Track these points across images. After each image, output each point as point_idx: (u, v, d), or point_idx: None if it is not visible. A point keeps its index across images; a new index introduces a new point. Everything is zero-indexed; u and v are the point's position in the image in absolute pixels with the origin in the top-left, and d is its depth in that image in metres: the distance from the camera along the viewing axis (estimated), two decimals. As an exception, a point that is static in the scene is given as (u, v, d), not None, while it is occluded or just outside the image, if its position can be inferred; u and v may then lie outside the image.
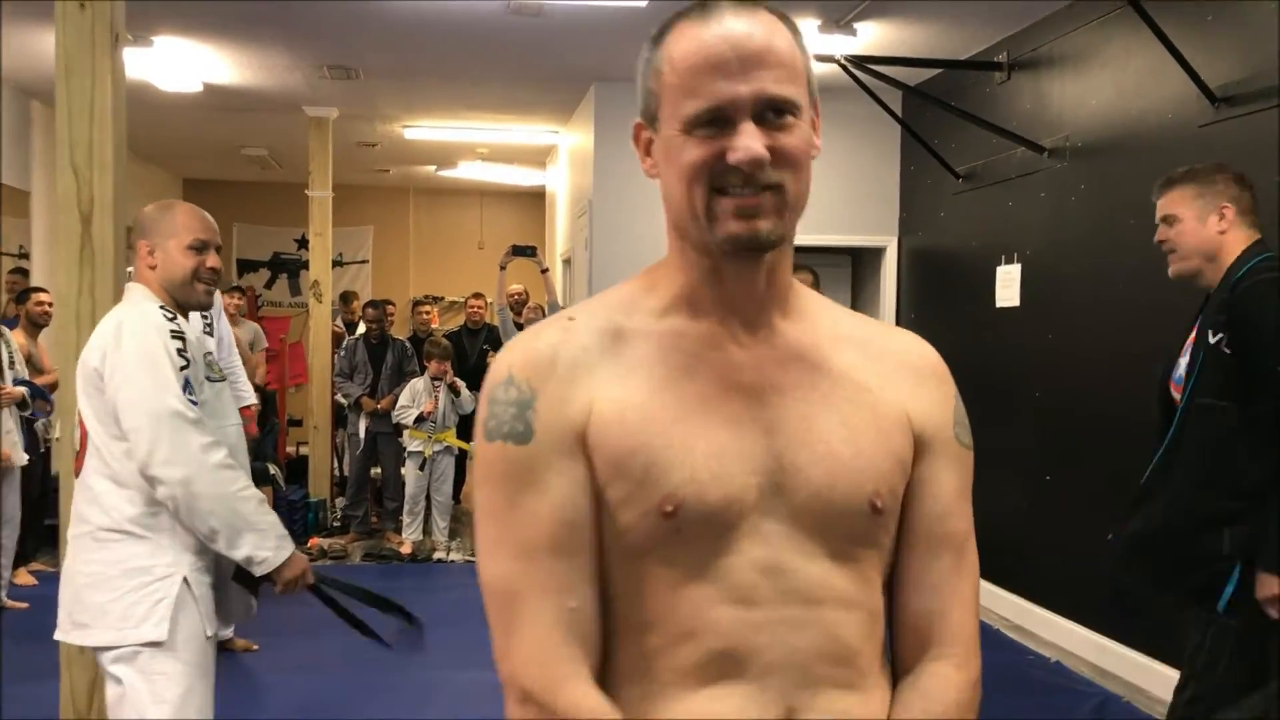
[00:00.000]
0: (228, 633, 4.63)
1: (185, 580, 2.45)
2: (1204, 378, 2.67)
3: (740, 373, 1.11)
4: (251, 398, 5.33)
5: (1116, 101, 5.08)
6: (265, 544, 2.45)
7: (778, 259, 1.13)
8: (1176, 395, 2.84)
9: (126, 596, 2.41)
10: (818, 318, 1.18)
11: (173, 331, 2.49)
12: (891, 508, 1.13)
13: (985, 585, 6.17)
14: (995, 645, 5.40)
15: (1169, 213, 2.85)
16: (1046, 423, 5.58)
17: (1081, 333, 5.25)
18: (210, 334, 4.73)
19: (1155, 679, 4.59)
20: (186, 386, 2.44)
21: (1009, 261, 5.99)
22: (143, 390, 2.39)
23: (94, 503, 2.46)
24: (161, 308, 2.53)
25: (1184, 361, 2.83)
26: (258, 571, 2.48)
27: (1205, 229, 2.76)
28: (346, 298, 9.70)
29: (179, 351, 2.46)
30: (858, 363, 1.16)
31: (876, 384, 1.15)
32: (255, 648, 5.02)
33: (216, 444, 2.43)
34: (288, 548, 2.50)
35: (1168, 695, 4.37)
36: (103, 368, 2.43)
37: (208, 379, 2.59)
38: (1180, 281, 2.96)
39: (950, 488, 1.20)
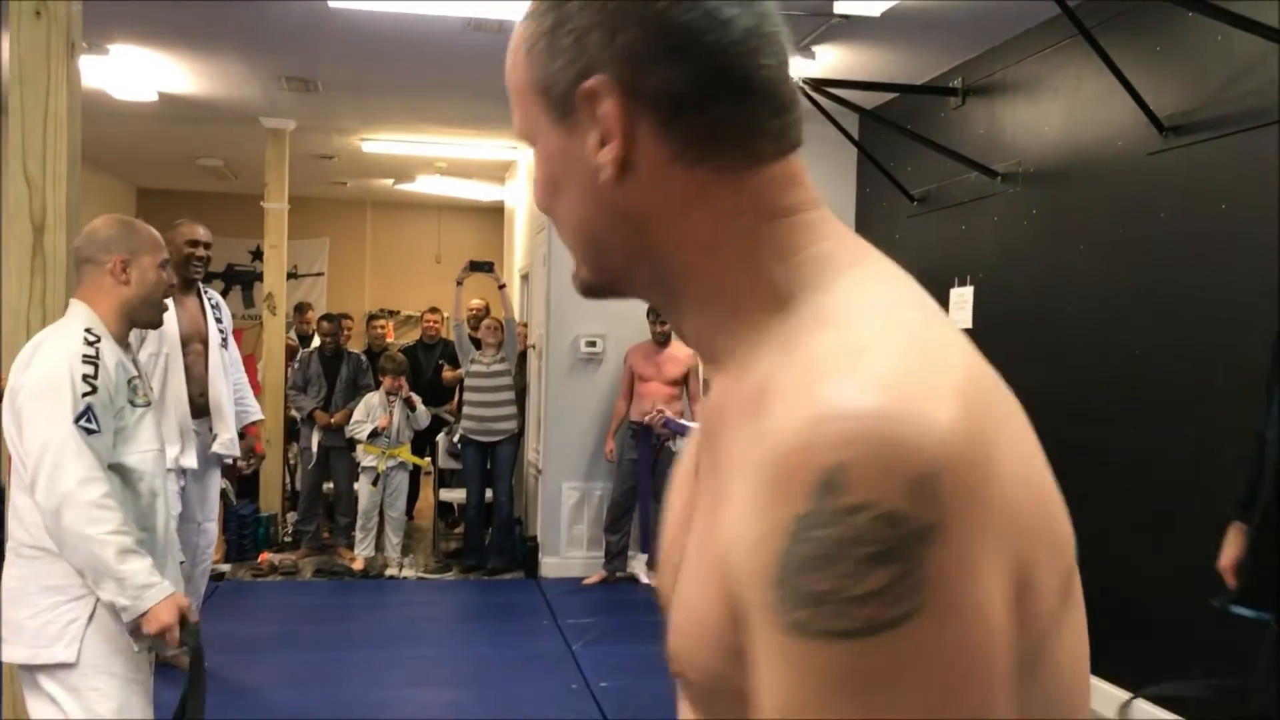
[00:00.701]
0: (171, 650, 4.50)
1: (99, 599, 2.42)
2: None
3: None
4: (258, 413, 5.29)
5: (1067, 128, 5.17)
6: (124, 593, 2.36)
7: (667, 299, 0.79)
8: None
9: (41, 615, 2.40)
10: (755, 365, 0.72)
11: (85, 356, 2.43)
12: (715, 688, 0.72)
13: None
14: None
15: None
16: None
17: (1033, 354, 5.32)
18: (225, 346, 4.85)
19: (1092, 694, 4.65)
20: (87, 413, 2.39)
21: (962, 284, 6.06)
22: (37, 414, 2.37)
23: (16, 518, 2.45)
24: (88, 330, 2.48)
25: None
26: (125, 617, 2.39)
27: None
28: (301, 308, 9.63)
29: (85, 378, 2.41)
30: (735, 449, 0.70)
31: (724, 494, 0.70)
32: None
33: (95, 480, 2.36)
34: (150, 598, 2.38)
35: (1103, 710, 4.43)
36: (16, 387, 2.43)
37: (130, 404, 2.55)
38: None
39: (761, 702, 0.62)
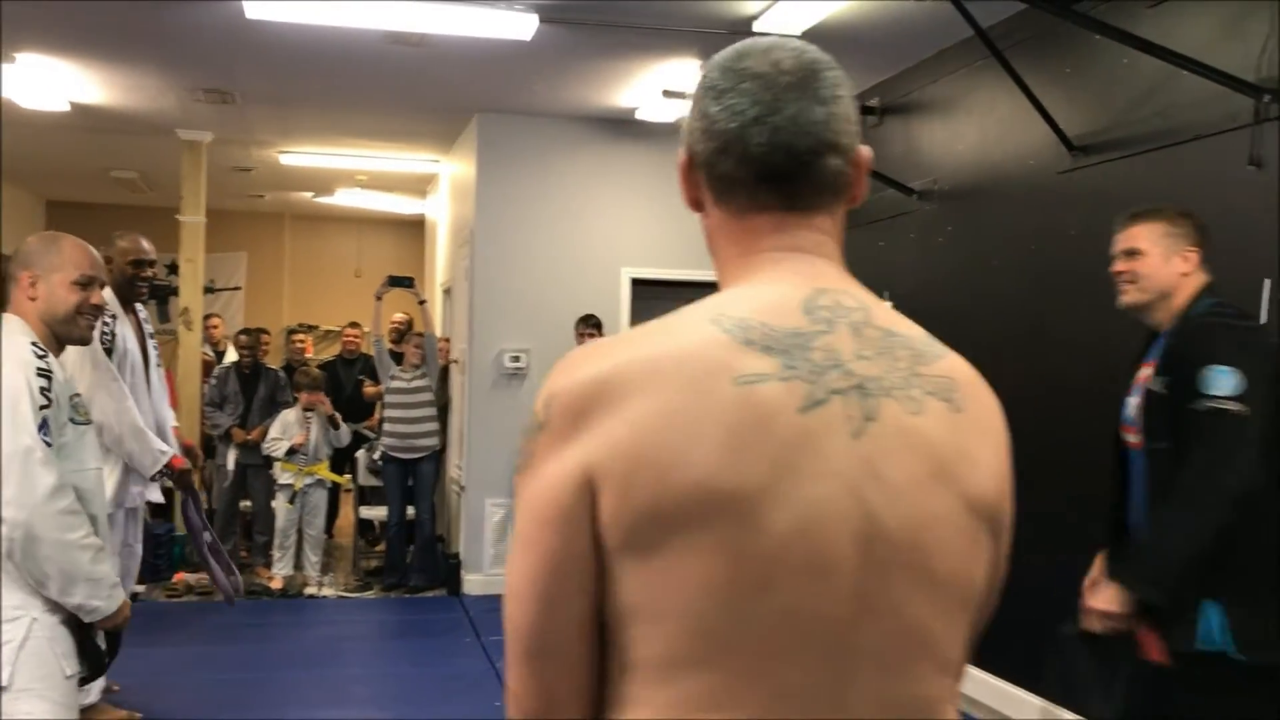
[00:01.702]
0: (92, 698, 4.28)
1: (34, 621, 2.39)
2: (1150, 420, 2.73)
3: None
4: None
5: (981, 147, 5.29)
6: (98, 594, 2.46)
7: None
8: (1126, 436, 2.87)
9: None
10: None
11: (39, 370, 2.44)
12: None
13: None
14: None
15: (1133, 246, 2.84)
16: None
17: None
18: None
19: (1018, 705, 4.74)
20: (44, 427, 2.40)
21: (880, 299, 6.15)
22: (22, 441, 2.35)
23: None
24: (34, 344, 2.48)
25: (1132, 401, 2.86)
26: (87, 619, 2.47)
27: (1169, 267, 2.77)
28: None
29: (42, 390, 2.42)
30: None
31: None
32: (138, 717, 4.53)
33: (64, 488, 2.40)
34: (119, 596, 2.53)
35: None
36: None
37: (72, 421, 2.54)
38: (1129, 312, 2.97)
39: None
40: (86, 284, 2.58)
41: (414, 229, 11.80)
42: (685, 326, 1.00)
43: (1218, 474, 2.49)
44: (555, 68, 6.14)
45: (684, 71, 5.99)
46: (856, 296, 1.07)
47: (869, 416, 0.98)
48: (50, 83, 6.66)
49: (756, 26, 5.16)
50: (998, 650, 4.86)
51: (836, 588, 0.94)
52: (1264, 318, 3.60)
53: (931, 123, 5.77)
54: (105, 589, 2.47)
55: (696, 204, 1.12)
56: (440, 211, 9.71)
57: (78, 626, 2.51)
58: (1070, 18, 4.13)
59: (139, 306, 4.69)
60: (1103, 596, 2.61)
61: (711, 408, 0.93)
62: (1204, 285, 2.78)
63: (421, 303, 7.49)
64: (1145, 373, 2.81)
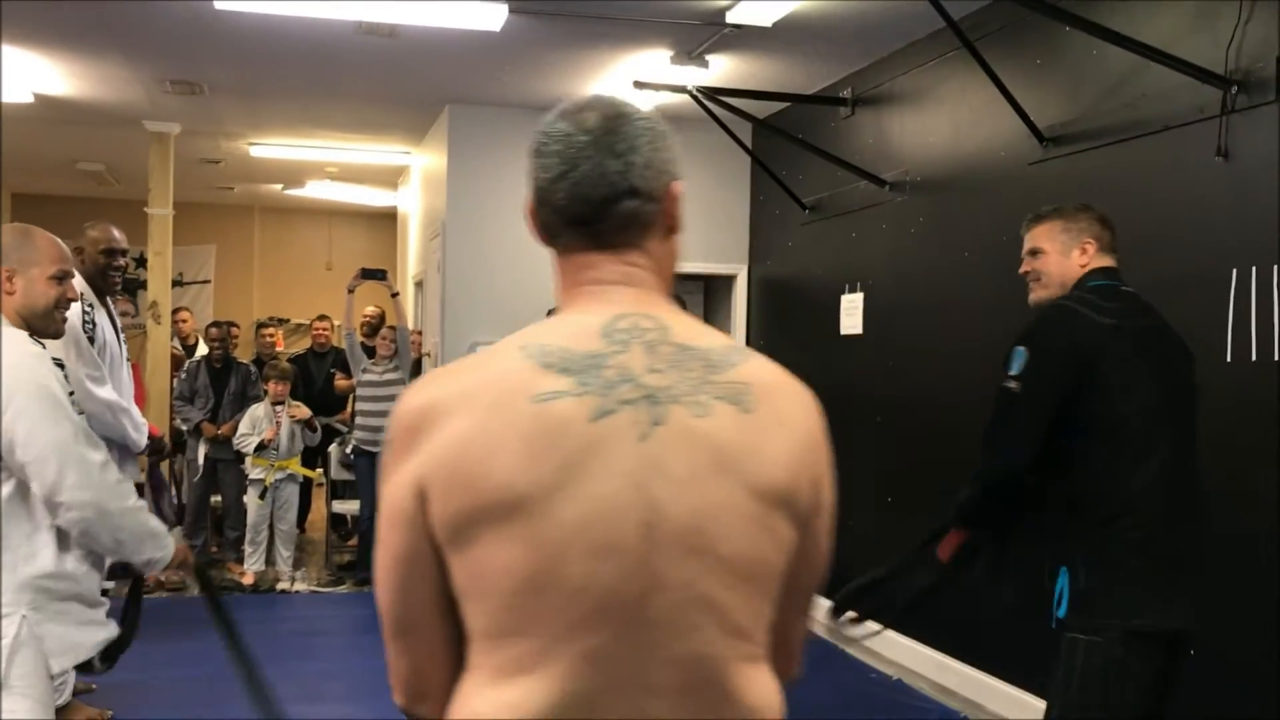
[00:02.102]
0: (64, 697, 4.24)
1: (24, 618, 2.39)
2: None
3: None
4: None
5: (953, 139, 5.31)
6: (161, 545, 2.59)
7: None
8: None
9: None
10: None
11: (54, 359, 2.50)
12: None
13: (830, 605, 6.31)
14: (838, 665, 5.53)
15: (1036, 246, 2.98)
16: (888, 446, 5.76)
17: (921, 359, 5.45)
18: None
19: (992, 695, 4.77)
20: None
21: (853, 290, 6.18)
22: (40, 420, 2.37)
23: None
24: (32, 338, 2.49)
25: None
26: (156, 569, 2.63)
27: (1068, 261, 2.90)
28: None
29: (64, 379, 2.48)
30: None
31: None
32: (109, 715, 4.52)
33: (108, 462, 2.48)
34: (173, 539, 2.66)
35: (1006, 711, 4.56)
36: None
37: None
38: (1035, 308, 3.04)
39: None
40: (63, 278, 2.57)
41: (385, 221, 11.74)
42: (499, 356, 1.22)
43: (986, 445, 2.75)
44: (526, 59, 6.11)
45: (656, 63, 5.97)
46: (655, 319, 1.23)
47: (656, 422, 1.16)
48: (14, 74, 6.58)
49: (729, 18, 5.15)
50: (978, 644, 4.90)
51: (625, 566, 1.13)
52: (1231, 309, 3.63)
53: (903, 114, 5.78)
54: (165, 539, 2.61)
55: (544, 241, 1.32)
56: (412, 204, 9.66)
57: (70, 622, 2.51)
58: (1040, 9, 4.15)
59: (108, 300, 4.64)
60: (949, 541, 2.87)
61: (512, 423, 1.14)
62: (1093, 269, 2.88)
63: (394, 295, 7.45)
64: None
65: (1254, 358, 3.55)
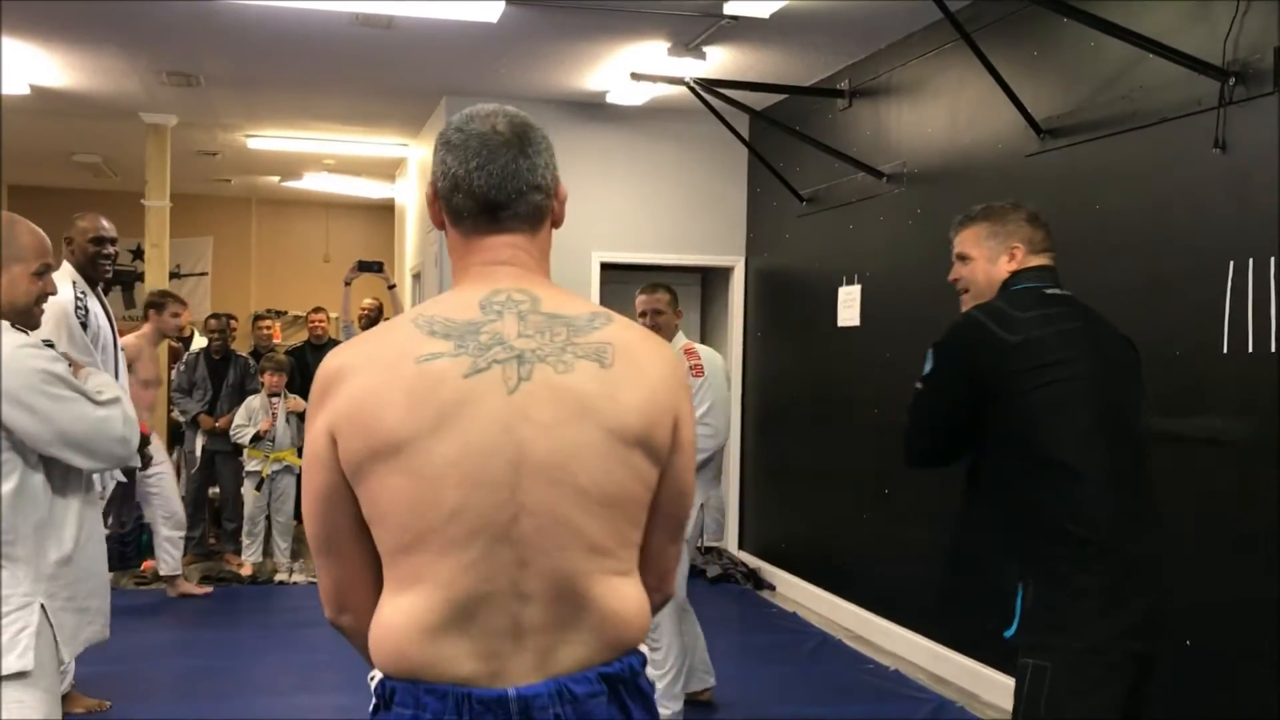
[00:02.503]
0: (63, 687, 4.23)
1: (42, 607, 2.40)
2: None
3: None
4: None
5: (950, 130, 5.31)
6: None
7: None
8: None
9: None
10: None
11: (44, 340, 2.51)
12: None
13: (827, 596, 6.33)
14: (835, 655, 5.54)
15: (963, 251, 2.87)
16: (885, 438, 5.76)
17: (918, 351, 5.43)
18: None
19: (988, 685, 4.79)
20: None
21: (850, 282, 6.18)
22: (61, 397, 2.42)
23: None
24: (19, 329, 2.49)
25: None
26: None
27: (995, 268, 2.78)
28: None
29: (60, 355, 2.52)
30: None
31: None
32: (107, 705, 4.49)
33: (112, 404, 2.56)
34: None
35: (1000, 700, 4.57)
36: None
37: None
38: None
39: None
40: (44, 273, 2.55)
41: (383, 213, 11.73)
42: (396, 327, 1.47)
43: (905, 440, 2.79)
44: (523, 50, 6.11)
45: (653, 54, 5.97)
46: (529, 292, 1.48)
47: (523, 378, 1.40)
48: (10, 65, 6.56)
49: (726, 9, 5.15)
50: (974, 635, 4.91)
51: (495, 495, 1.37)
52: (1228, 300, 3.63)
53: (900, 106, 5.78)
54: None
55: (440, 225, 1.55)
56: (409, 196, 9.65)
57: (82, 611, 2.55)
58: (1037, 1, 4.14)
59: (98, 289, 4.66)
60: None
61: (398, 380, 1.39)
62: (1017, 271, 2.76)
63: (391, 287, 7.44)
64: None
65: (1251, 349, 3.56)
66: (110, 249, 4.45)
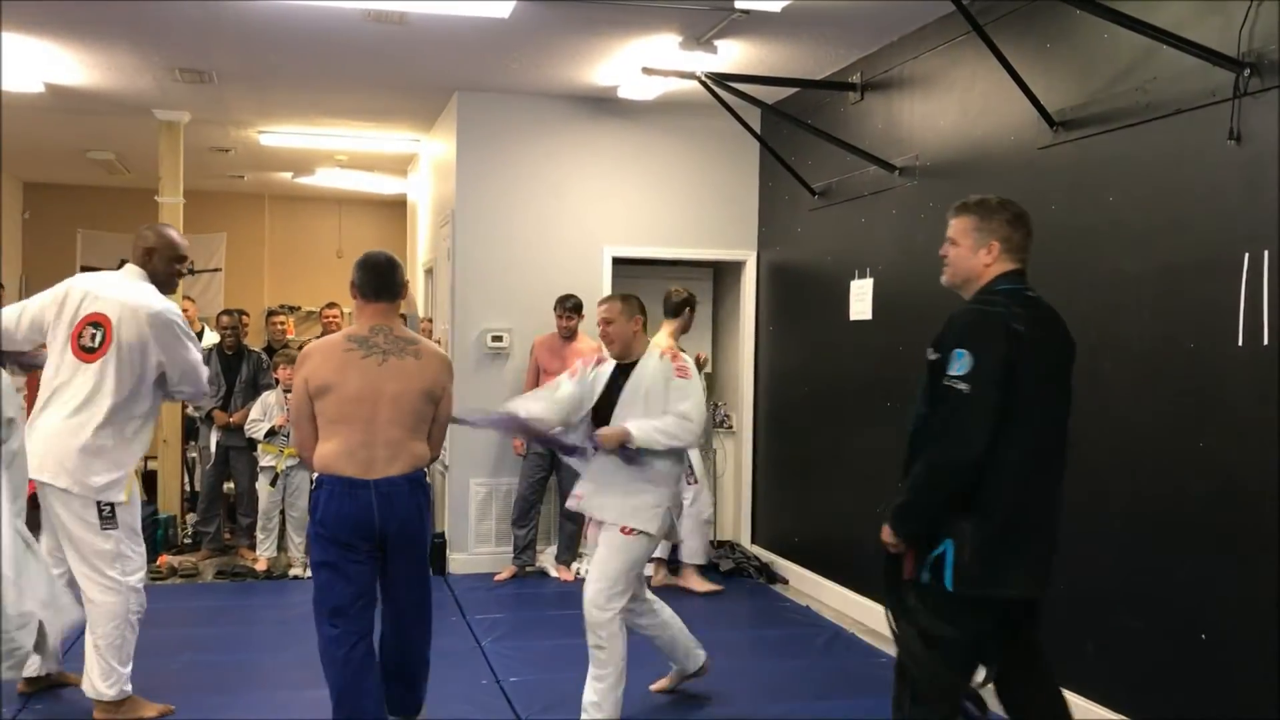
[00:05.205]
0: (115, 691, 4.26)
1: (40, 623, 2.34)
2: (923, 389, 3.15)
3: None
4: None
5: (962, 123, 5.30)
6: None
7: None
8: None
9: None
10: None
11: None
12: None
13: (844, 591, 6.33)
14: (849, 649, 5.55)
15: (952, 235, 3.26)
16: (897, 431, 5.74)
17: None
18: None
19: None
20: None
21: (862, 276, 6.17)
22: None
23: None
24: None
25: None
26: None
27: (974, 258, 3.19)
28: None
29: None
30: None
31: None
32: (171, 709, 4.47)
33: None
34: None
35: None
36: None
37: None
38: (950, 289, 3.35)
39: None
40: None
41: (395, 209, 11.75)
42: (337, 338, 3.79)
43: (944, 442, 3.00)
44: (534, 45, 6.11)
45: (665, 48, 5.96)
46: (389, 328, 3.76)
47: (384, 362, 3.68)
48: (24, 63, 6.59)
49: (738, 3, 5.13)
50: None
51: (367, 406, 3.65)
52: (1243, 293, 3.62)
53: (913, 99, 5.76)
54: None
55: (354, 298, 3.84)
56: (421, 191, 9.66)
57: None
58: (1051, -7, 4.13)
59: None
60: (884, 530, 3.13)
61: (331, 360, 3.69)
62: (1000, 274, 3.14)
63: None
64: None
65: (1265, 342, 3.54)
66: (184, 265, 4.76)
